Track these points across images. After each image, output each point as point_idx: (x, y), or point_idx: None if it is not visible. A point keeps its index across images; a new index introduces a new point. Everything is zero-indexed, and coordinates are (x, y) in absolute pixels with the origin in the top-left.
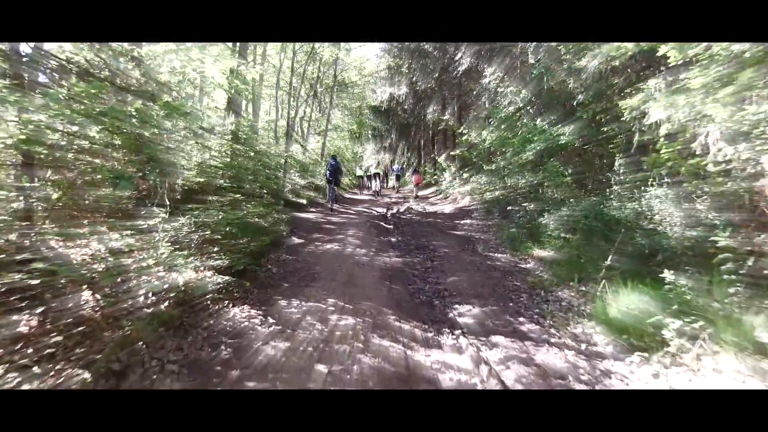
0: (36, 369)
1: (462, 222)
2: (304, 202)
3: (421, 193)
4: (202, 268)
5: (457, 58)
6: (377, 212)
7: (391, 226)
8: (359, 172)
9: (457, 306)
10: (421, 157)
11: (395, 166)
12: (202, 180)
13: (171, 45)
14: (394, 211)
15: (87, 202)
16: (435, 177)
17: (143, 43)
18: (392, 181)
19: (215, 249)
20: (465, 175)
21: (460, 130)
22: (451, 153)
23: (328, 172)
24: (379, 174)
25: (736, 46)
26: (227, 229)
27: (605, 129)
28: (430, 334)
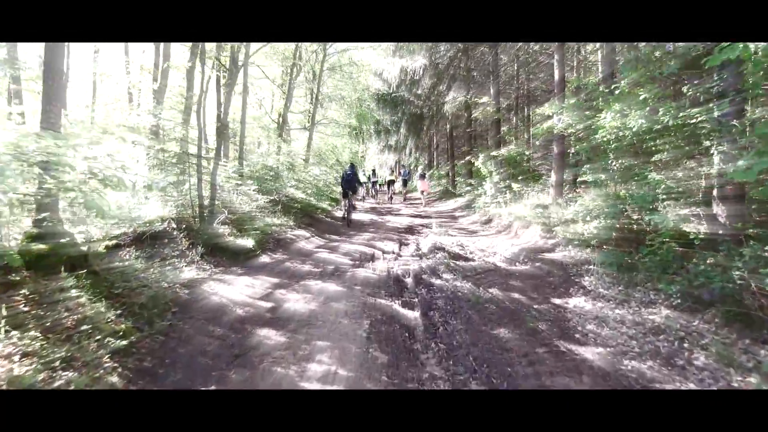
0: None
1: (572, 305)
2: (251, 244)
3: (440, 206)
4: None
5: None
6: (383, 256)
7: (419, 317)
8: (362, 178)
9: None
10: (434, 158)
11: (402, 170)
12: None
13: None
14: (413, 251)
15: None
16: (466, 186)
17: None
18: (398, 185)
19: None
20: (516, 186)
21: (540, 111)
22: (492, 153)
23: (344, 182)
24: (393, 181)
25: None
26: None
27: None
28: None
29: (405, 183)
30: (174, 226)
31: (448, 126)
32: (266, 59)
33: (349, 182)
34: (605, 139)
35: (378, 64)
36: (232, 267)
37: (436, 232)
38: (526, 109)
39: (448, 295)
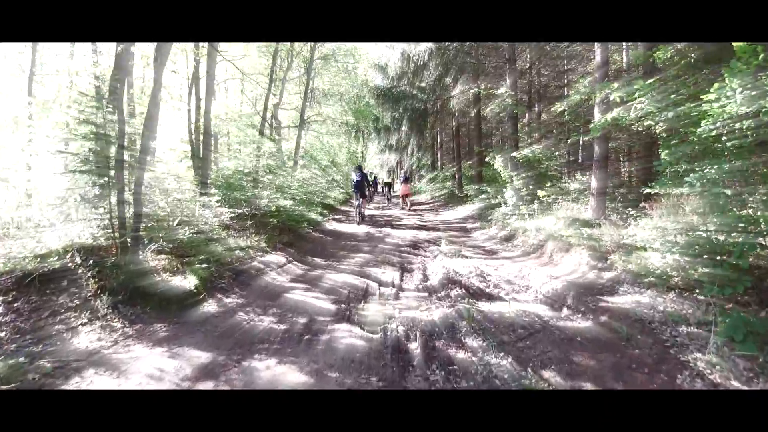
0: None
1: None
2: (193, 284)
3: (447, 214)
4: None
5: None
6: (379, 291)
7: None
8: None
9: None
10: (438, 158)
11: (402, 173)
12: None
13: None
14: (418, 282)
15: None
16: (479, 192)
17: None
18: (397, 188)
19: None
20: (543, 194)
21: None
22: (513, 154)
23: (353, 184)
24: (390, 184)
25: None
26: None
27: None
28: None
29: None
30: (78, 260)
31: (454, 123)
32: (243, 48)
33: (358, 185)
34: (713, 133)
35: (377, 50)
36: (154, 324)
37: (446, 251)
38: (537, 106)
39: (478, 384)
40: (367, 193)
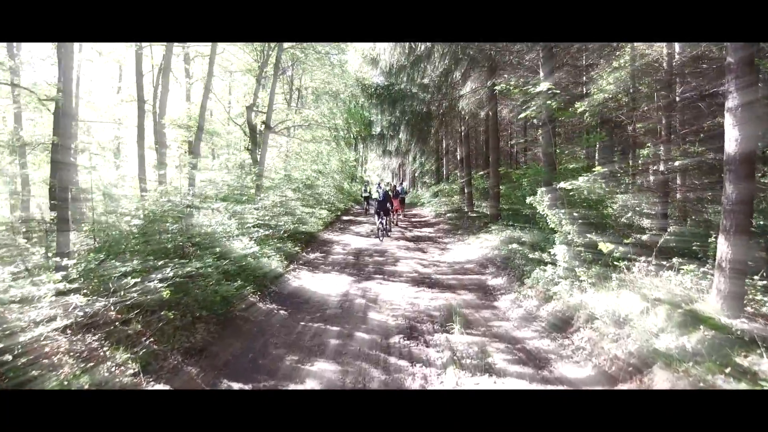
0: None
1: None
2: None
3: (456, 250)
4: None
5: None
6: None
7: None
8: (365, 194)
9: None
10: (442, 165)
11: (399, 186)
12: None
13: None
14: None
15: None
16: (495, 216)
17: None
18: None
19: None
20: (607, 249)
21: None
22: (561, 185)
23: (376, 203)
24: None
25: None
26: None
27: None
28: None
29: (402, 201)
30: None
31: (463, 127)
32: None
33: (381, 205)
34: None
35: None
36: None
37: (460, 353)
38: None
39: None
40: (390, 209)
